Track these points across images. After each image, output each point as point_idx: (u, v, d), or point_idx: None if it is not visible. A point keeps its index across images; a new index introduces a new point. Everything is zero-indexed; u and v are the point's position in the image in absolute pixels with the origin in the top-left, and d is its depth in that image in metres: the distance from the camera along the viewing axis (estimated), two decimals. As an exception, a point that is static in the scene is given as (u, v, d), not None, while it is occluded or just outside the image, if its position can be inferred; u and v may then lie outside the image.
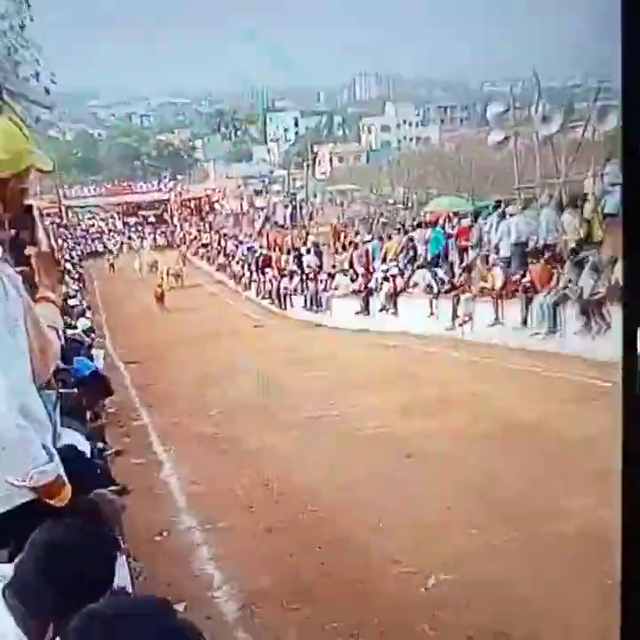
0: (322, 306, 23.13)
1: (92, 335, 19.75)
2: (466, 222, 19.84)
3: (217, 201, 36.52)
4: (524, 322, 15.65)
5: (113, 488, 3.98)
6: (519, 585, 6.66)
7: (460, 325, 17.39)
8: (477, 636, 5.90)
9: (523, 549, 7.29)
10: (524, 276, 16.18)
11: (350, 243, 24.69)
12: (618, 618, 5.47)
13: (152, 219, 48.63)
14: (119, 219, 54.01)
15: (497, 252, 17.44)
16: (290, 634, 6.24)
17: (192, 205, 39.32)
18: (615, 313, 13.77)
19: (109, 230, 54.35)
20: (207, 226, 37.07)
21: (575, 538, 7.35)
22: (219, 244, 35.56)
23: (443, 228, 19.99)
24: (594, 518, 7.66)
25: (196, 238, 38.55)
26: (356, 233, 26.04)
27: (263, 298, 27.86)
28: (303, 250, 26.14)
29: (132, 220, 53.38)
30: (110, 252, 47.33)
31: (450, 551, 7.33)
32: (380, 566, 7.20)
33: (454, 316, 17.51)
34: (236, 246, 33.24)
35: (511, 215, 17.82)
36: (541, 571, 6.89)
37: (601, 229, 16.38)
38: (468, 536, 7.59)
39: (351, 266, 22.58)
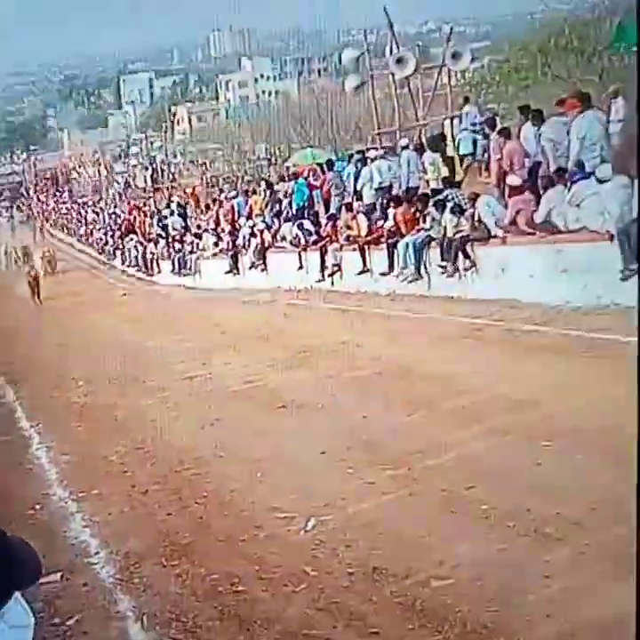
0: (190, 268, 22.75)
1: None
2: (329, 173, 19.75)
3: (74, 169, 35.62)
4: (391, 267, 15.65)
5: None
6: (396, 521, 6.74)
7: (330, 276, 17.30)
8: (357, 574, 5.92)
9: (398, 486, 7.36)
10: (388, 220, 16.16)
11: (214, 201, 24.40)
12: (494, 547, 5.51)
13: (7, 193, 47.04)
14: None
15: (360, 199, 17.37)
16: (170, 590, 6.22)
17: (49, 176, 38.36)
18: (478, 250, 14.01)
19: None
20: (65, 196, 36.29)
21: (451, 471, 7.45)
22: (78, 213, 34.81)
23: (306, 179, 19.83)
24: (468, 451, 7.80)
25: (54, 209, 37.71)
26: (220, 191, 25.75)
27: (129, 265, 27.28)
28: (166, 212, 25.70)
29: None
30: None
31: (327, 493, 7.39)
32: (259, 514, 7.28)
33: (323, 267, 17.41)
34: (97, 214, 32.58)
35: (372, 160, 17.73)
36: (417, 506, 6.96)
37: (461, 169, 16.56)
38: (344, 477, 7.65)
39: (217, 225, 22.28)
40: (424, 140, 18.19)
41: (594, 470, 6.89)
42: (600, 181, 12.08)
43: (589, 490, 6.53)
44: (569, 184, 12.64)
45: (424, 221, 15.23)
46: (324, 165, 19.78)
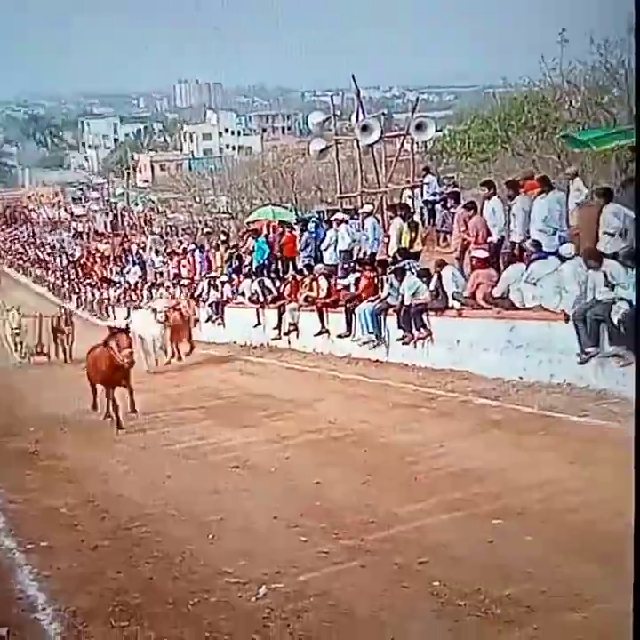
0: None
1: None
2: (291, 232, 19.95)
3: (32, 209, 35.43)
4: (349, 330, 15.82)
5: None
6: (348, 593, 6.73)
7: (287, 334, 17.43)
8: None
9: (351, 557, 7.37)
10: (348, 284, 16.38)
11: (173, 251, 24.42)
12: (445, 626, 5.58)
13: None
14: None
15: (321, 261, 17.59)
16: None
17: (7, 214, 38.07)
18: (434, 320, 14.24)
19: None
20: (23, 235, 36.04)
21: (403, 544, 7.50)
22: (35, 254, 34.57)
23: (267, 237, 20.01)
24: (420, 525, 7.87)
25: (9, 249, 37.40)
26: (180, 242, 25.81)
27: (83, 309, 27.12)
28: (125, 260, 25.66)
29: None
30: None
31: (279, 560, 7.35)
32: (210, 578, 7.17)
33: (280, 325, 17.54)
34: (54, 256, 32.38)
35: (336, 224, 18.00)
36: (370, 578, 6.98)
37: (421, 238, 16.81)
38: (296, 544, 7.63)
39: (176, 276, 22.31)
40: (385, 206, 18.45)
41: (543, 552, 7.02)
42: (563, 259, 12.38)
43: (539, 572, 6.65)
44: (528, 262, 12.93)
45: (382, 288, 15.48)
46: (289, 223, 20.02)
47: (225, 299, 19.77)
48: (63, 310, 21.50)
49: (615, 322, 11.21)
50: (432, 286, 14.32)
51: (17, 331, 19.61)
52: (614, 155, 17.74)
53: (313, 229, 18.58)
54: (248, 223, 24.21)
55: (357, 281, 16.13)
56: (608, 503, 7.72)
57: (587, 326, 11.60)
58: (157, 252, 25.44)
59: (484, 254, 13.90)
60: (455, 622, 6.15)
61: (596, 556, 6.75)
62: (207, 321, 19.99)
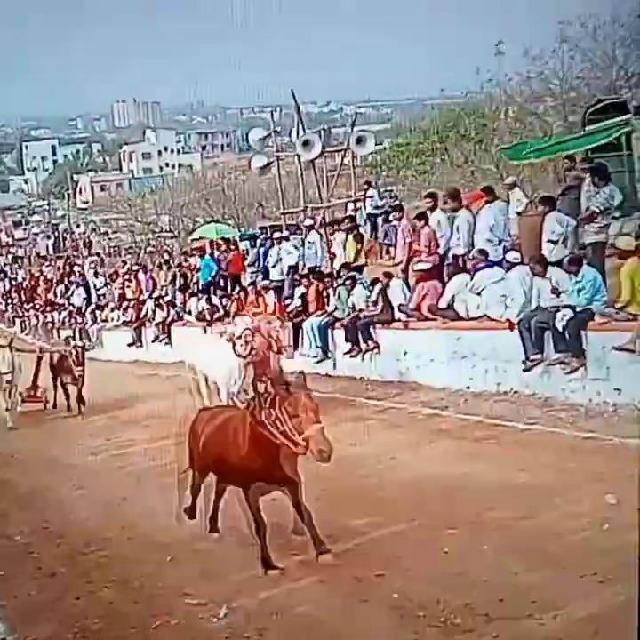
0: (90, 339, 22.51)
1: None
2: (235, 249, 19.98)
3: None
4: (296, 345, 15.86)
5: None
6: (309, 608, 6.75)
7: (236, 351, 17.35)
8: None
9: (309, 572, 7.40)
10: (294, 299, 16.44)
11: (116, 272, 24.27)
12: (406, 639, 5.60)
13: None
14: None
15: (267, 277, 17.65)
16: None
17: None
18: (381, 332, 14.36)
19: None
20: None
21: (361, 558, 7.54)
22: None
23: (212, 255, 20.01)
24: (376, 537, 7.92)
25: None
26: (124, 262, 25.67)
27: (28, 334, 26.84)
28: (68, 282, 25.45)
29: None
30: None
31: (238, 579, 7.35)
32: (171, 600, 7.15)
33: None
34: (-5, 282, 32.09)
35: (276, 242, 18.10)
36: (330, 593, 7.01)
37: (364, 251, 16.95)
38: (254, 562, 7.62)
39: (121, 297, 22.17)
40: (329, 220, 18.56)
41: (499, 560, 7.11)
42: (507, 268, 12.58)
43: (496, 580, 6.73)
44: (472, 272, 13.09)
45: (328, 302, 15.57)
46: (234, 241, 20.07)
47: (171, 318, 19.68)
48: (73, 345, 16.64)
49: (560, 329, 11.41)
50: (378, 299, 14.45)
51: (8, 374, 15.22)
52: (552, 164, 18.08)
53: (259, 246, 18.66)
54: (192, 241, 24.21)
55: (303, 295, 16.19)
56: (559, 508, 7.87)
57: (531, 334, 11.78)
58: (97, 274, 25.23)
59: (428, 266, 14.05)
60: (415, 634, 6.21)
61: (551, 562, 6.86)
62: (154, 341, 19.89)
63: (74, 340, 17.79)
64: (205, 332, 18.03)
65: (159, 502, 9.53)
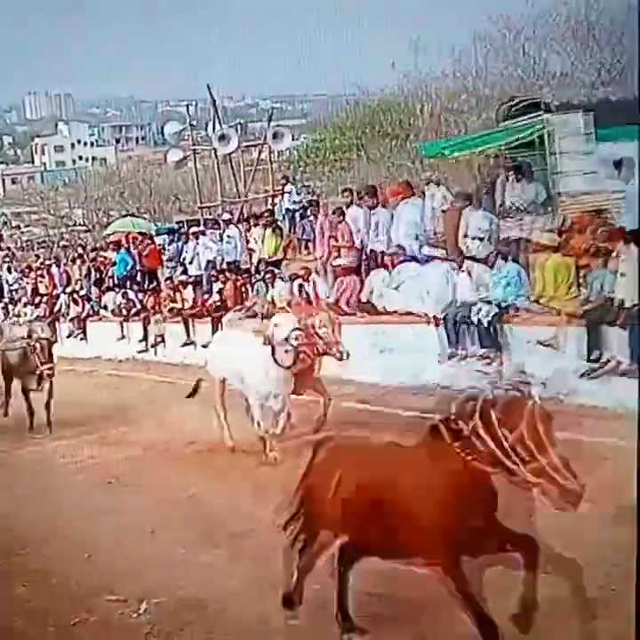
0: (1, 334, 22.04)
1: None
2: (151, 243, 19.77)
3: None
4: (215, 341, 15.77)
5: None
6: (231, 603, 6.73)
7: (153, 347, 17.24)
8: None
9: (232, 566, 7.38)
10: (213, 294, 16.35)
11: (28, 267, 23.81)
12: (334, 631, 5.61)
13: None
14: None
15: (186, 272, 17.51)
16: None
17: None
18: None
19: None
20: None
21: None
22: None
23: (128, 249, 19.75)
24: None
25: None
26: (37, 257, 25.20)
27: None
28: (-23, 276, 24.90)
29: None
30: None
31: (159, 574, 7.30)
32: (90, 597, 7.06)
33: (146, 337, 17.34)
34: None
35: (194, 237, 17.97)
36: (254, 587, 6.99)
37: (283, 247, 16.93)
38: (175, 557, 7.61)
39: (34, 291, 21.76)
40: (246, 215, 18.50)
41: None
42: (427, 263, 12.70)
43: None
44: (391, 267, 13.19)
45: (248, 297, 15.52)
46: (150, 234, 19.86)
47: (86, 313, 19.39)
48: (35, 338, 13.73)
49: (482, 323, 11.58)
50: (298, 294, 14.45)
51: None
52: (469, 160, 18.29)
53: (177, 240, 18.50)
54: (107, 235, 23.88)
55: (222, 291, 16.10)
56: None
57: (452, 328, 11.93)
58: (9, 268, 24.74)
59: (347, 261, 14.10)
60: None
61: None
62: (69, 336, 19.57)
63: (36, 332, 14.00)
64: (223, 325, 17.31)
65: (76, 498, 9.45)
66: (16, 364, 13.61)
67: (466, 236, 12.84)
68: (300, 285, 14.47)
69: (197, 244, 17.74)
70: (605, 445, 9.06)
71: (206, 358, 11.93)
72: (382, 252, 13.75)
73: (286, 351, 10.14)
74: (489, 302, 11.57)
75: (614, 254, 10.97)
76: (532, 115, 14.85)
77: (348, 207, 14.72)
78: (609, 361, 10.47)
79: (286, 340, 10.14)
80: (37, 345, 13.24)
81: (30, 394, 13.45)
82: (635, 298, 10.42)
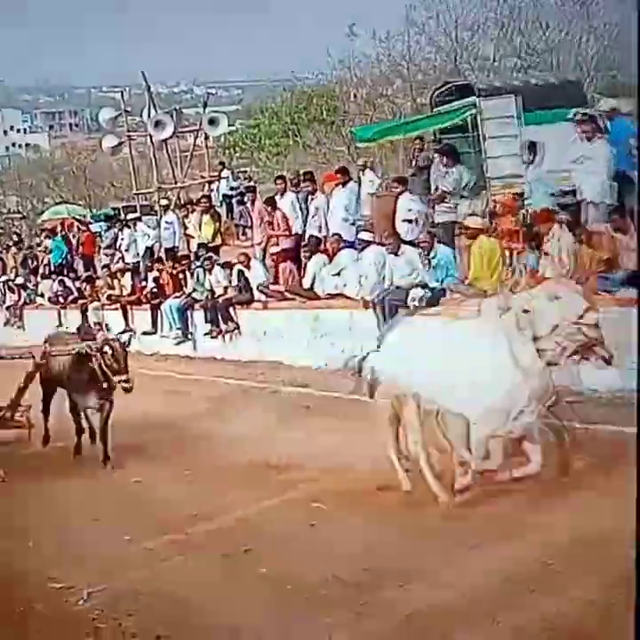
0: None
1: None
2: (87, 230, 19.68)
3: None
4: (154, 327, 15.80)
5: None
6: (179, 588, 6.79)
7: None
8: (141, 642, 5.97)
9: (178, 551, 7.42)
10: (150, 281, 16.34)
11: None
12: (275, 611, 5.67)
13: None
14: None
15: (123, 260, 17.48)
16: None
17: None
18: (241, 312, 14.45)
19: None
20: None
21: (228, 535, 7.61)
22: None
23: (64, 236, 19.62)
24: (242, 514, 8.01)
25: None
26: (-29, 245, 24.88)
27: None
28: None
29: None
30: None
31: (103, 561, 7.31)
32: (34, 586, 7.03)
33: (84, 325, 17.22)
34: None
35: (132, 224, 17.93)
36: (199, 571, 7.06)
37: (221, 232, 16.98)
38: (120, 544, 7.59)
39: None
40: (183, 201, 18.47)
41: (364, 531, 7.31)
42: (362, 248, 12.83)
43: (362, 551, 6.91)
44: (329, 252, 13.30)
45: (186, 284, 15.55)
46: (87, 221, 19.73)
47: (23, 301, 19.22)
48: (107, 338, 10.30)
49: (412, 306, 11.76)
50: (237, 280, 14.54)
51: None
52: (402, 145, 18.51)
53: (114, 227, 18.44)
54: (42, 222, 23.68)
55: (160, 277, 16.11)
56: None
57: (386, 312, 12.09)
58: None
59: (285, 247, 14.22)
60: (284, 606, 6.33)
61: (418, 531, 7.11)
62: (5, 324, 19.39)
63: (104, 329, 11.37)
64: (60, 315, 17.42)
65: (17, 487, 9.34)
66: (65, 374, 10.25)
67: (403, 220, 13.01)
68: (240, 271, 14.56)
69: (135, 230, 17.73)
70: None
71: (377, 365, 8.10)
72: (318, 238, 13.84)
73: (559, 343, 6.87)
74: (422, 286, 11.75)
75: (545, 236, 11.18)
76: (463, 100, 15.08)
77: (282, 194, 14.81)
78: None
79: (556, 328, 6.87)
80: (107, 348, 9.74)
81: (88, 413, 10.20)
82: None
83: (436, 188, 13.50)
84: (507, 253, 11.34)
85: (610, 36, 20.84)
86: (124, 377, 9.68)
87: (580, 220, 11.31)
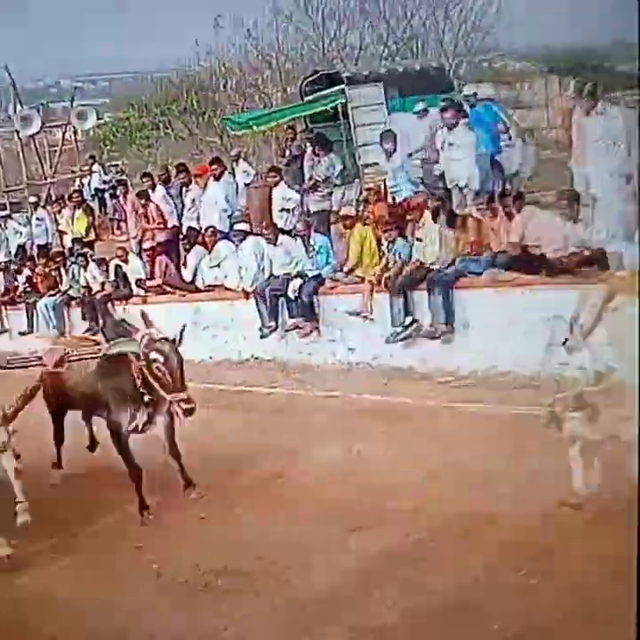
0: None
1: None
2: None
3: None
4: (31, 326, 15.48)
5: None
6: (73, 590, 6.77)
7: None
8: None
9: (67, 552, 7.38)
10: (22, 279, 16.02)
11: None
12: (168, 605, 5.69)
13: None
14: None
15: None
16: None
17: None
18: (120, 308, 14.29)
19: None
20: None
21: (118, 534, 7.59)
22: None
23: None
24: (136, 511, 7.97)
25: None
26: None
27: None
28: None
29: None
30: None
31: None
32: None
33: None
34: None
35: (5, 218, 17.55)
36: (90, 570, 7.05)
37: (94, 227, 16.70)
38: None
39: None
40: (54, 197, 18.11)
41: (254, 521, 7.43)
42: (240, 239, 12.83)
43: (255, 540, 7.02)
44: (207, 244, 13.26)
45: (61, 281, 15.26)
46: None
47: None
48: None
49: (292, 296, 11.89)
50: (114, 275, 14.38)
51: None
52: (274, 135, 18.56)
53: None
54: None
55: (33, 275, 15.77)
56: (330, 467, 8.26)
57: (266, 302, 12.19)
58: None
59: (161, 240, 14.12)
60: (179, 598, 6.38)
61: (315, 518, 7.26)
62: None
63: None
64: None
65: None
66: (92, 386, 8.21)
67: (281, 209, 13.09)
68: (117, 266, 14.38)
69: (5, 228, 17.31)
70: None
71: None
72: (197, 230, 13.77)
73: None
74: (300, 275, 11.88)
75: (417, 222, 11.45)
76: (333, 88, 15.25)
77: (153, 189, 14.70)
78: (412, 324, 10.89)
79: None
80: (159, 357, 7.65)
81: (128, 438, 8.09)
82: (431, 260, 10.94)
83: (310, 177, 13.64)
84: (383, 240, 11.55)
85: (472, 23, 21.44)
86: (181, 397, 7.48)
87: (449, 205, 11.62)
